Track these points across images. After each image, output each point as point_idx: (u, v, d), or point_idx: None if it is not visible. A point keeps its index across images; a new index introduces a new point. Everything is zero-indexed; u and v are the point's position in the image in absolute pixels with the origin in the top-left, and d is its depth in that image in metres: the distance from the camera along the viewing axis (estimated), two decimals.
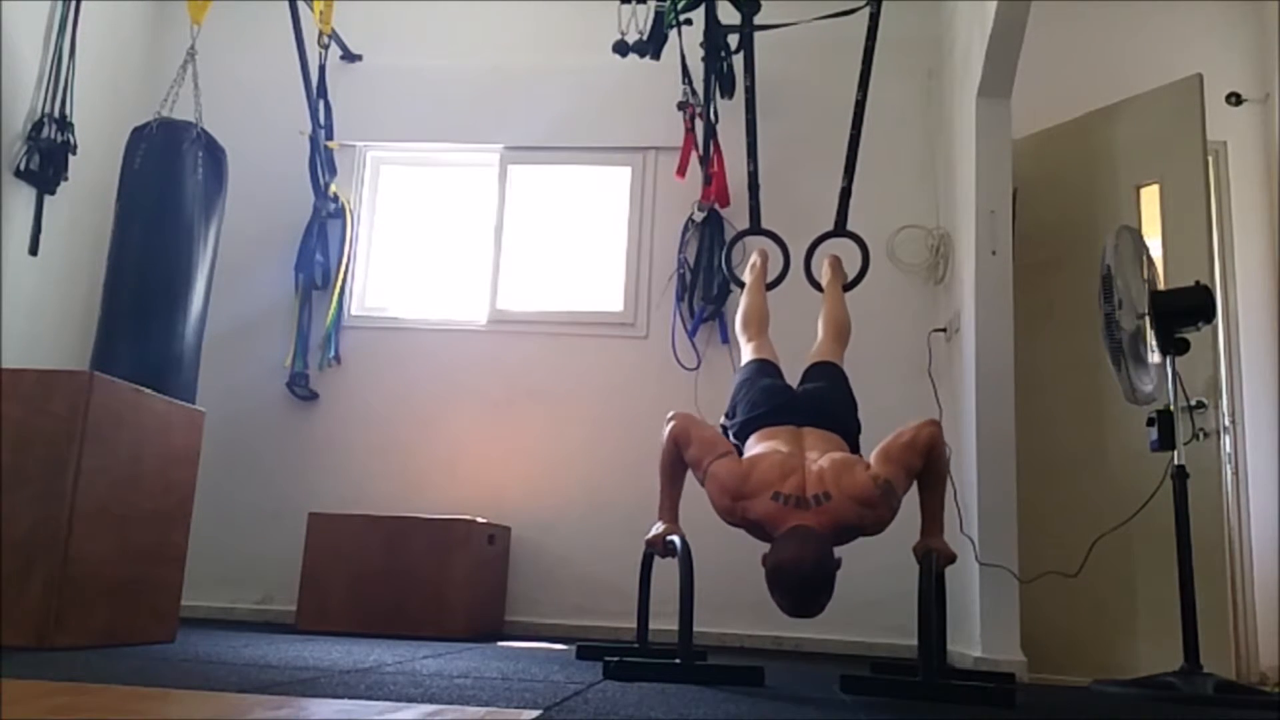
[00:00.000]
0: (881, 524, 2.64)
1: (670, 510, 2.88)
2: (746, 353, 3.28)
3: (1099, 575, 3.49)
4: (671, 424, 2.87)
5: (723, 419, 3.09)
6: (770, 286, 3.60)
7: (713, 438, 2.84)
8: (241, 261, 4.59)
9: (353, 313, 4.77)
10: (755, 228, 3.78)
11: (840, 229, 3.66)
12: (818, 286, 3.63)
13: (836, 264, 3.62)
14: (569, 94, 4.82)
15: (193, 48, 3.89)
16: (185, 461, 3.11)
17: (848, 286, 3.58)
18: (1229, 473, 4.05)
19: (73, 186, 4.39)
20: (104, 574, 2.73)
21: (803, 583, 2.47)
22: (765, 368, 3.13)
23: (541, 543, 4.40)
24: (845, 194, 3.68)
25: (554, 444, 4.51)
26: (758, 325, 3.37)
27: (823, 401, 2.99)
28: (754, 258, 3.65)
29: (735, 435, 2.96)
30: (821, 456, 2.69)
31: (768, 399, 2.97)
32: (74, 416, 2.65)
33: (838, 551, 2.53)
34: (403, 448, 4.55)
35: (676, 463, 2.86)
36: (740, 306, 3.53)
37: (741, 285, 3.67)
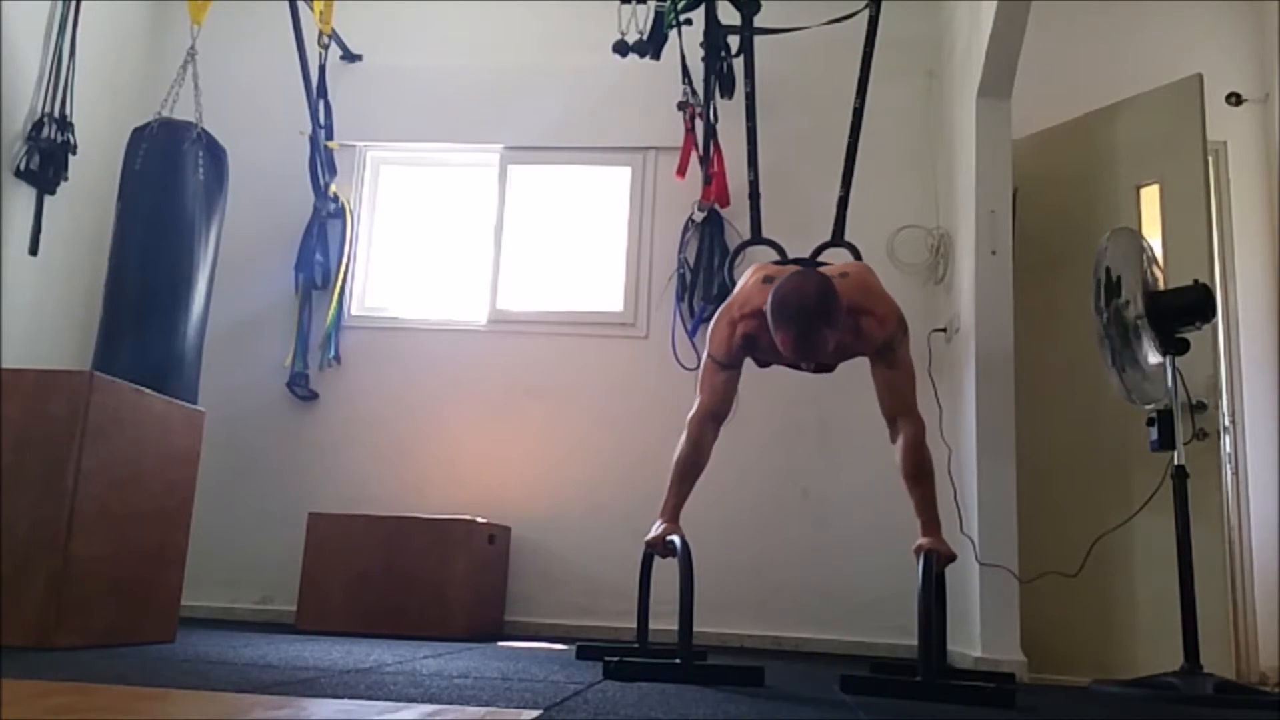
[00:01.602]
0: (885, 330, 2.69)
1: (674, 511, 2.89)
2: None
3: (1099, 575, 3.49)
4: (690, 418, 2.92)
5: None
6: None
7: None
8: (242, 261, 4.59)
9: (353, 313, 4.77)
10: (756, 237, 3.80)
11: (837, 239, 3.68)
12: None
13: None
14: (569, 94, 4.82)
15: (193, 48, 3.89)
16: (185, 461, 3.11)
17: None
18: (1229, 473, 4.05)
19: (73, 186, 4.39)
20: (104, 574, 2.73)
21: (804, 307, 2.45)
22: None
23: (541, 543, 4.40)
24: (842, 203, 3.70)
25: (554, 444, 4.51)
26: None
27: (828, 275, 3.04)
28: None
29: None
30: (834, 266, 2.75)
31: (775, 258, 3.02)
32: (74, 416, 2.65)
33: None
34: (403, 448, 4.55)
35: (695, 453, 2.88)
36: None
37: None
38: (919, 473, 2.76)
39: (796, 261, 3.02)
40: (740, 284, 2.90)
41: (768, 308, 2.54)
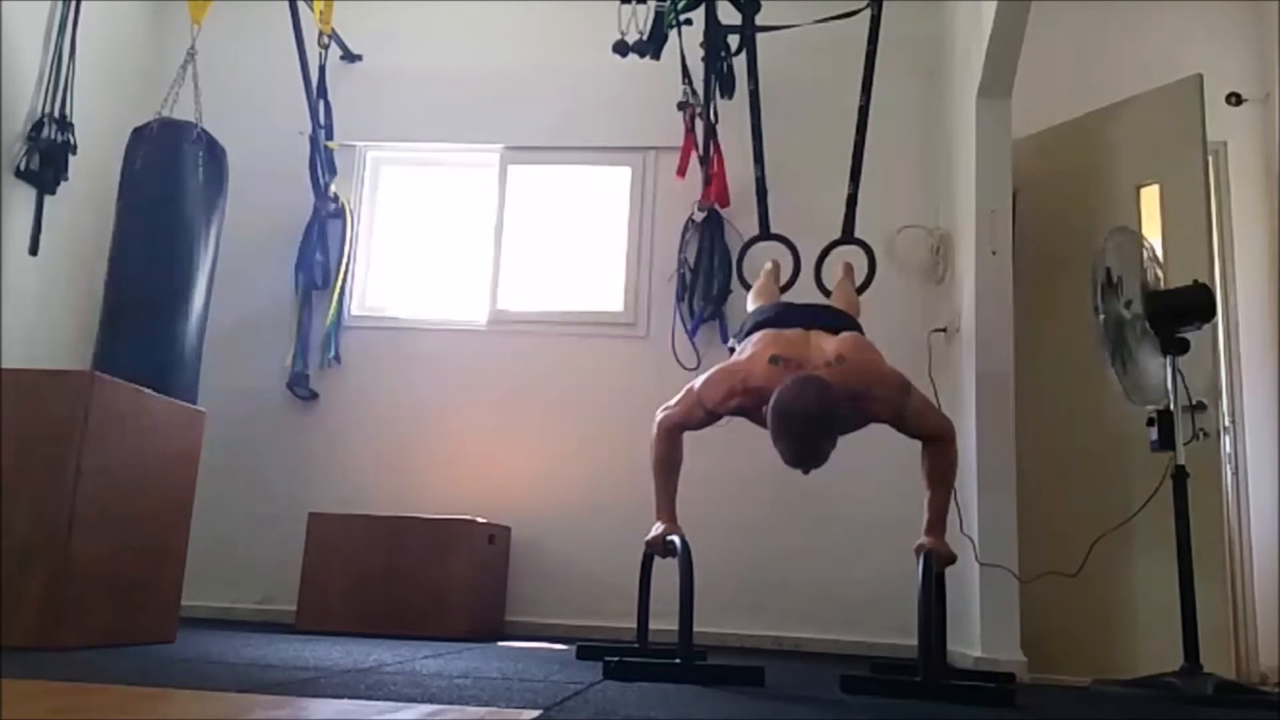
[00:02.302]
0: (889, 407, 2.65)
1: (668, 510, 2.88)
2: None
3: (1099, 575, 3.49)
4: (658, 420, 2.92)
5: (730, 340, 3.12)
6: (782, 290, 3.63)
7: (687, 387, 2.90)
8: (242, 261, 4.59)
9: (353, 313, 4.77)
10: (764, 233, 3.79)
11: (848, 236, 3.68)
12: (826, 293, 3.67)
13: (849, 269, 3.70)
14: (569, 94, 4.82)
15: (193, 48, 3.89)
16: (185, 461, 3.10)
17: (856, 291, 3.63)
18: (1229, 473, 4.05)
19: (73, 186, 4.39)
20: (104, 574, 2.73)
21: (806, 421, 2.45)
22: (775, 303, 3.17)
23: (541, 543, 4.40)
24: (851, 201, 3.69)
25: (554, 444, 4.51)
26: (768, 297, 3.46)
27: (832, 312, 3.02)
28: (767, 264, 3.73)
29: (740, 341, 2.98)
30: (834, 339, 2.70)
31: (775, 308, 3.00)
32: (74, 416, 2.64)
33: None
34: (403, 447, 4.55)
35: (671, 453, 2.89)
36: (754, 288, 3.62)
37: (748, 287, 3.73)
38: (940, 475, 2.76)
39: (802, 311, 2.96)
40: (747, 350, 2.79)
41: (768, 415, 2.52)
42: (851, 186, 3.68)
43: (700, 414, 2.83)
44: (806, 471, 2.58)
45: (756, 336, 2.79)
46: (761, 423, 2.73)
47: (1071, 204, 4.04)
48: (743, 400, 2.70)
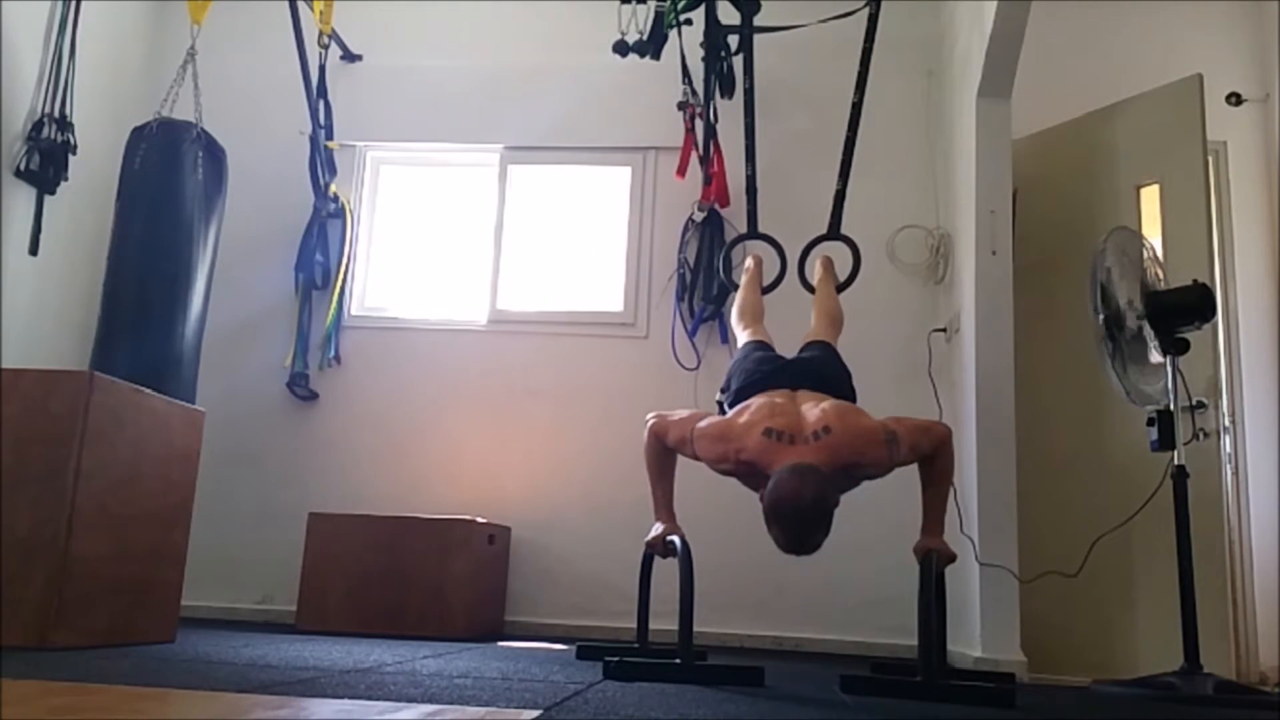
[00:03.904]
0: (881, 467, 2.65)
1: (666, 510, 2.89)
2: (742, 338, 3.32)
3: (1099, 575, 3.49)
4: (649, 424, 2.92)
5: (718, 395, 3.11)
6: (766, 290, 3.62)
7: (691, 413, 2.89)
8: (241, 261, 4.59)
9: (353, 313, 4.77)
10: (753, 232, 3.81)
11: (833, 233, 3.68)
12: (811, 289, 3.65)
13: (829, 264, 3.66)
14: (569, 94, 4.82)
15: (193, 48, 3.88)
16: (185, 461, 3.10)
17: (839, 288, 3.61)
18: (1229, 473, 4.05)
19: (73, 186, 4.39)
20: (104, 574, 2.73)
21: (801, 517, 2.46)
22: (760, 346, 3.15)
23: (541, 543, 4.40)
24: (839, 197, 3.69)
25: (554, 444, 4.51)
26: (752, 315, 3.42)
27: (817, 365, 3.01)
28: (749, 261, 3.70)
29: (729, 405, 2.96)
30: (820, 403, 2.70)
31: (760, 366, 2.99)
32: (74, 416, 2.64)
33: (838, 500, 2.52)
34: (403, 448, 4.55)
35: (662, 456, 2.89)
36: (735, 301, 3.59)
37: (735, 287, 3.72)
38: (938, 474, 2.76)
39: (787, 370, 2.93)
40: (742, 413, 2.75)
41: (763, 504, 2.52)
42: (840, 183, 3.68)
43: (689, 453, 2.83)
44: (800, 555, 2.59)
45: (752, 405, 2.74)
46: (749, 485, 2.74)
47: (1071, 204, 4.04)
48: (735, 469, 2.72)
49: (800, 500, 2.44)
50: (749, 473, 2.68)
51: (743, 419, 2.70)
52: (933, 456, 2.74)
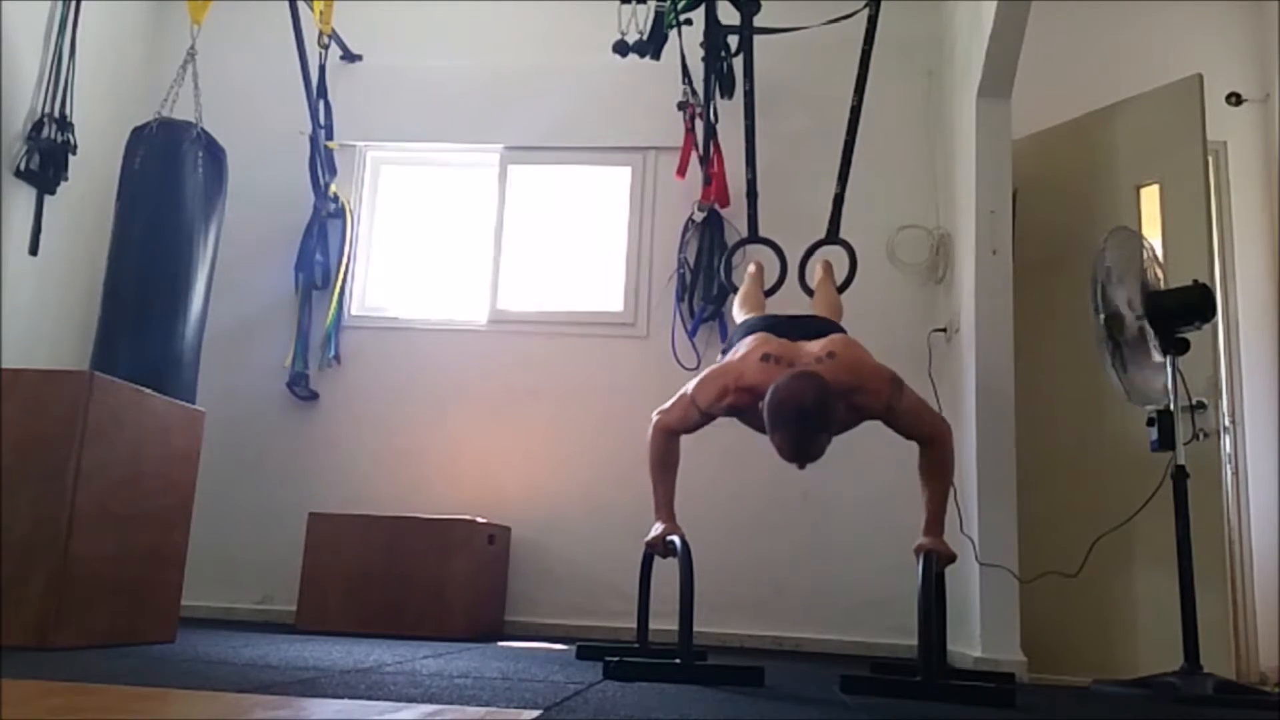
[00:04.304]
0: (880, 398, 2.68)
1: (667, 509, 2.89)
2: (741, 316, 3.37)
3: (1099, 575, 3.49)
4: (654, 421, 2.94)
5: (723, 349, 3.15)
6: (768, 294, 3.65)
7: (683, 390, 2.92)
8: (241, 261, 4.59)
9: (353, 313, 4.77)
10: (753, 236, 3.81)
11: (832, 237, 3.68)
12: (810, 293, 3.67)
13: (828, 268, 3.70)
14: (569, 94, 4.82)
15: (193, 48, 3.89)
16: (185, 461, 3.10)
17: (836, 290, 3.63)
18: (1229, 473, 4.05)
19: (73, 186, 4.39)
20: (104, 574, 2.73)
21: (803, 416, 2.48)
22: (761, 316, 3.20)
23: (541, 543, 4.40)
24: (838, 200, 3.70)
25: (554, 444, 4.51)
26: (754, 305, 3.47)
27: (819, 321, 3.03)
28: (751, 266, 3.73)
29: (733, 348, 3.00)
30: (821, 342, 2.74)
31: (764, 320, 3.03)
32: (74, 416, 2.65)
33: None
34: (403, 448, 4.55)
35: (666, 453, 2.90)
36: (737, 298, 3.64)
37: (736, 289, 3.75)
38: (937, 474, 2.76)
39: (789, 323, 2.97)
40: (740, 350, 2.85)
41: (764, 409, 2.55)
42: (839, 187, 3.69)
43: (695, 415, 2.86)
44: (803, 466, 2.61)
45: (748, 339, 2.81)
46: (754, 423, 2.75)
47: (1071, 204, 4.04)
48: (736, 399, 2.73)
49: (803, 399, 2.46)
50: (749, 404, 2.68)
51: (740, 352, 2.74)
52: (932, 449, 2.74)
